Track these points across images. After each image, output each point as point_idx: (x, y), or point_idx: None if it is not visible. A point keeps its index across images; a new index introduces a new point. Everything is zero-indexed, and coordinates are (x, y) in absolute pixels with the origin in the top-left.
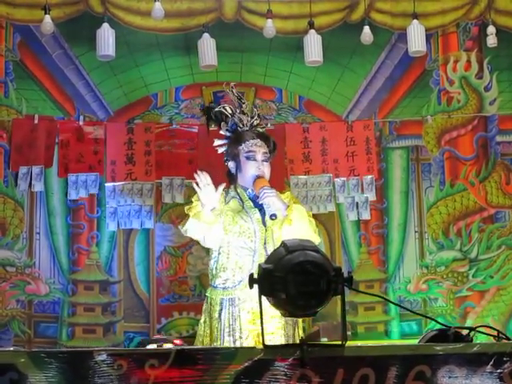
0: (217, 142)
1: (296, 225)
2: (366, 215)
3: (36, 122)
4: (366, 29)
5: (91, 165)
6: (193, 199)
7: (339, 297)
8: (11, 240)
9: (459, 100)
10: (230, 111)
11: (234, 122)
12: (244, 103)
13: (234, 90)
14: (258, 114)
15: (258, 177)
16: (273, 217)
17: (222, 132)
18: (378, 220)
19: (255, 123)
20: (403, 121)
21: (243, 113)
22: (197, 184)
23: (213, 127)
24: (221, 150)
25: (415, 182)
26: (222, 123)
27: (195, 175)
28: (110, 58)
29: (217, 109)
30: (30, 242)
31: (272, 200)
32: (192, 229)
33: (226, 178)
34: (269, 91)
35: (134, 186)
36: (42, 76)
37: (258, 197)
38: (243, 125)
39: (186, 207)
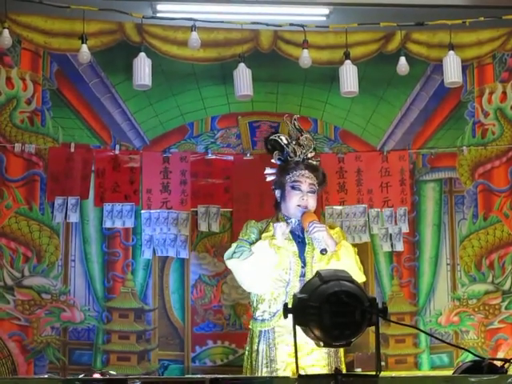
0: (268, 171)
1: (343, 261)
2: (399, 247)
3: (72, 150)
4: (402, 60)
5: (127, 194)
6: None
7: (372, 327)
8: (47, 267)
9: (494, 132)
10: (285, 141)
11: (287, 153)
12: (303, 135)
13: (296, 122)
14: (314, 148)
15: (306, 211)
16: (323, 251)
17: (273, 161)
18: (409, 253)
19: (309, 155)
20: (437, 153)
21: (299, 144)
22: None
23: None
24: (269, 179)
25: (448, 214)
26: (276, 152)
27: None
28: (146, 87)
29: (272, 137)
30: (65, 269)
31: (322, 235)
32: (259, 249)
33: (274, 208)
34: (304, 121)
35: (170, 215)
36: (78, 104)
37: (298, 229)
38: (295, 155)
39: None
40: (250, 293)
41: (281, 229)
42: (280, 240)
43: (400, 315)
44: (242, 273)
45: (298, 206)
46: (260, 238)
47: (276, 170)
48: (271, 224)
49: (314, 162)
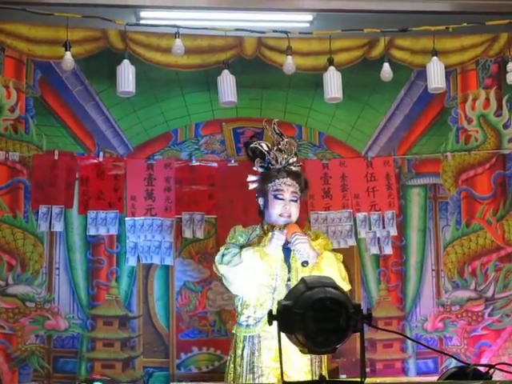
0: (250, 178)
1: (326, 272)
2: (388, 250)
3: (56, 158)
4: (386, 66)
5: (111, 202)
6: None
7: (358, 333)
8: (31, 275)
9: (477, 138)
10: (266, 148)
11: (269, 160)
12: (283, 140)
13: (276, 127)
14: (295, 152)
15: (289, 223)
16: (304, 264)
17: (255, 168)
18: (397, 257)
19: (291, 161)
20: (421, 159)
21: (280, 150)
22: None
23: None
24: (252, 187)
25: (433, 220)
26: (257, 159)
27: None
28: (130, 94)
29: (252, 145)
30: (49, 277)
31: (304, 246)
32: (249, 259)
33: (258, 215)
34: (289, 127)
35: (154, 222)
36: (62, 112)
37: (288, 242)
38: (277, 162)
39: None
40: (234, 297)
41: (277, 240)
42: (272, 249)
43: (388, 320)
44: (230, 278)
45: (280, 215)
46: (249, 243)
47: (258, 177)
48: (269, 235)
49: (296, 169)
